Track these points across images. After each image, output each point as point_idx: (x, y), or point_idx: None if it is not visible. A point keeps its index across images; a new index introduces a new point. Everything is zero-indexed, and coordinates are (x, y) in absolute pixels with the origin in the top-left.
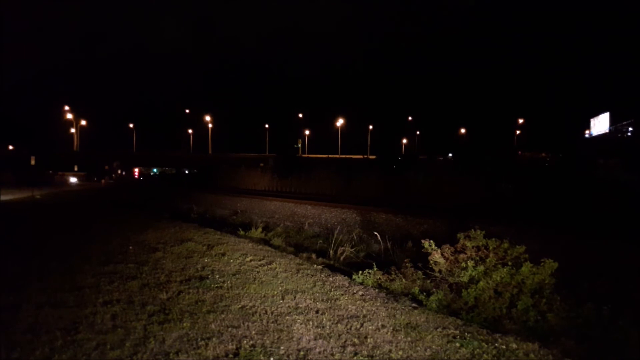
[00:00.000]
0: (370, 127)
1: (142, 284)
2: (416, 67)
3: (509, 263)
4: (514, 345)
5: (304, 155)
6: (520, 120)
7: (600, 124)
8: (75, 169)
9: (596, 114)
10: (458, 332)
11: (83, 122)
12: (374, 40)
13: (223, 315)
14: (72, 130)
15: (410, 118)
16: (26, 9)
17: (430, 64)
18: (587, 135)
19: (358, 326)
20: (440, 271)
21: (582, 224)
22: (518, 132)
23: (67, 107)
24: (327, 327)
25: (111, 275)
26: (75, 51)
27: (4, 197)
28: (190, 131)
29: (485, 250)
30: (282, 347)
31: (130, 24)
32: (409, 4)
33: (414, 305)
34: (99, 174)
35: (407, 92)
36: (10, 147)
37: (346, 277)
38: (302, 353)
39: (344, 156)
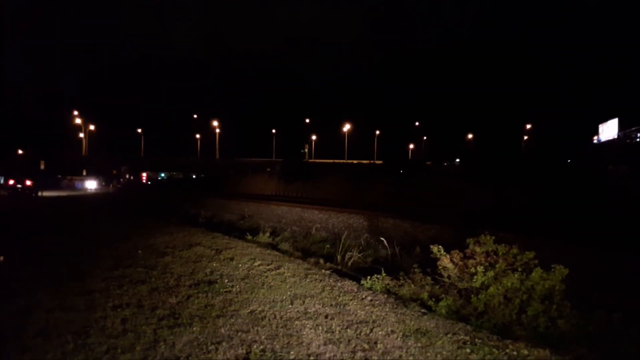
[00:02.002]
0: (377, 132)
1: (151, 288)
2: (423, 74)
3: (519, 269)
4: (525, 352)
5: (310, 161)
6: (528, 126)
7: (608, 130)
8: (84, 173)
9: (604, 119)
10: (468, 337)
11: (92, 127)
12: (382, 47)
13: (232, 320)
14: (81, 134)
15: (417, 123)
16: (37, 13)
17: (437, 70)
18: (595, 141)
19: (368, 331)
20: (449, 277)
21: (591, 232)
22: (526, 137)
23: (76, 112)
24: (337, 332)
25: (120, 279)
26: (85, 57)
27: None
28: (198, 136)
29: (494, 256)
30: (292, 352)
31: (140, 32)
32: (416, 13)
33: (423, 310)
34: (107, 178)
35: (415, 97)
36: (20, 152)
37: (354, 282)
38: (312, 358)
39: (350, 161)
